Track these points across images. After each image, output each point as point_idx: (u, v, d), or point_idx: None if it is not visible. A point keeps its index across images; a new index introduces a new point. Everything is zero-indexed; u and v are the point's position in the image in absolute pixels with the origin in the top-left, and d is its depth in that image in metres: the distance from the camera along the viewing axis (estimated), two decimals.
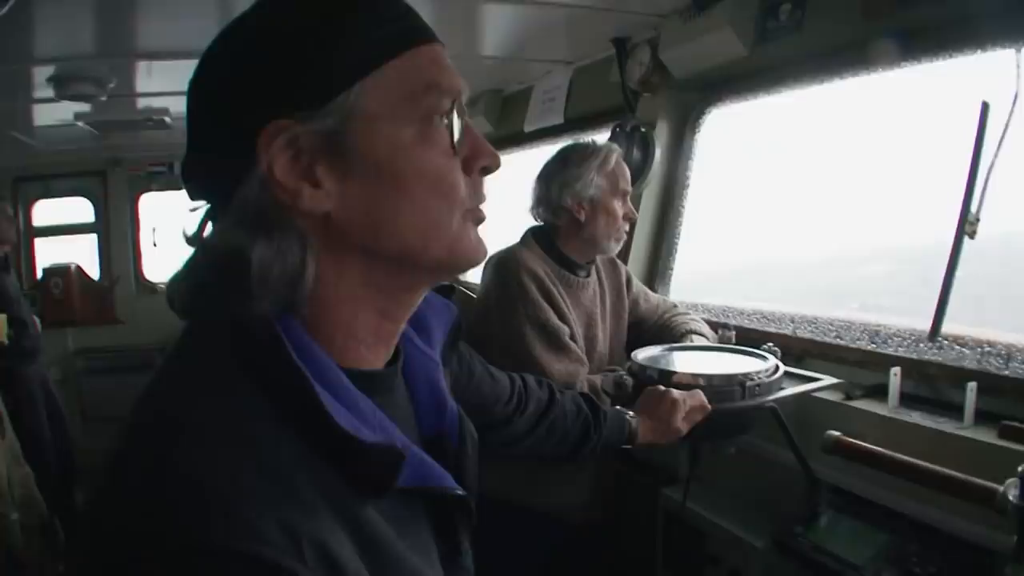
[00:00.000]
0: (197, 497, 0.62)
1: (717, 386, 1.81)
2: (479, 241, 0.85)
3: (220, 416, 0.69)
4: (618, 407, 1.74)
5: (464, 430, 1.01)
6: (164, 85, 3.64)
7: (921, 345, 2.01)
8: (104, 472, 0.68)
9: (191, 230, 0.80)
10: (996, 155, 1.86)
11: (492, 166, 0.84)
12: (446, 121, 0.80)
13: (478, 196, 0.84)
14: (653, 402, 1.75)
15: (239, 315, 0.73)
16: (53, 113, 3.98)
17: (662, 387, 1.78)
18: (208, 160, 0.78)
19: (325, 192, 0.76)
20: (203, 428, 0.67)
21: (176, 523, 0.60)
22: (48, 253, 6.04)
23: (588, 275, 2.32)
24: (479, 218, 0.85)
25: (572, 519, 2.28)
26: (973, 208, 1.90)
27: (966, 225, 1.90)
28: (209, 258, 0.76)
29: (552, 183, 2.24)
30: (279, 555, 0.61)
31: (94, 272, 6.08)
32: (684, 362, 2.04)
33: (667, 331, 2.39)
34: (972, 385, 1.74)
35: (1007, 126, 1.84)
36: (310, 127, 0.74)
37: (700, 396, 1.76)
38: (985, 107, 1.88)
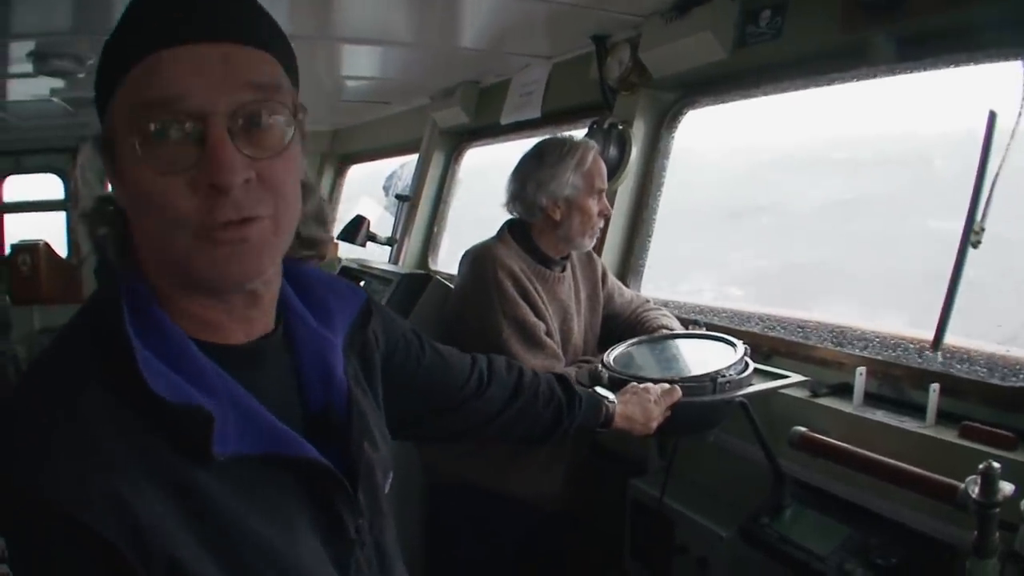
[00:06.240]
0: (10, 451, 0.74)
1: (689, 384, 1.86)
2: (224, 260, 0.83)
3: (50, 383, 0.79)
4: (597, 388, 1.76)
5: (352, 404, 1.01)
6: None
7: (888, 350, 2.08)
8: None
9: None
10: (1000, 166, 1.82)
11: (217, 183, 0.79)
12: (170, 135, 0.79)
13: (211, 215, 0.80)
14: (632, 397, 1.77)
15: (100, 280, 0.90)
16: (28, 88, 3.90)
17: (639, 384, 1.82)
18: None
19: (118, 192, 0.87)
20: (33, 394, 0.79)
21: None
22: (17, 229, 5.95)
23: (563, 270, 2.34)
24: (212, 238, 0.81)
25: (542, 506, 2.32)
26: (978, 217, 1.85)
27: (971, 235, 1.87)
28: None
29: (528, 182, 2.24)
30: (66, 503, 0.70)
31: (62, 250, 5.98)
32: (655, 357, 2.11)
33: (640, 326, 2.42)
34: (935, 386, 1.80)
35: (1012, 136, 1.81)
36: (100, 139, 0.85)
37: (677, 393, 1.80)
38: (992, 116, 1.85)
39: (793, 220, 2.94)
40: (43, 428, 0.74)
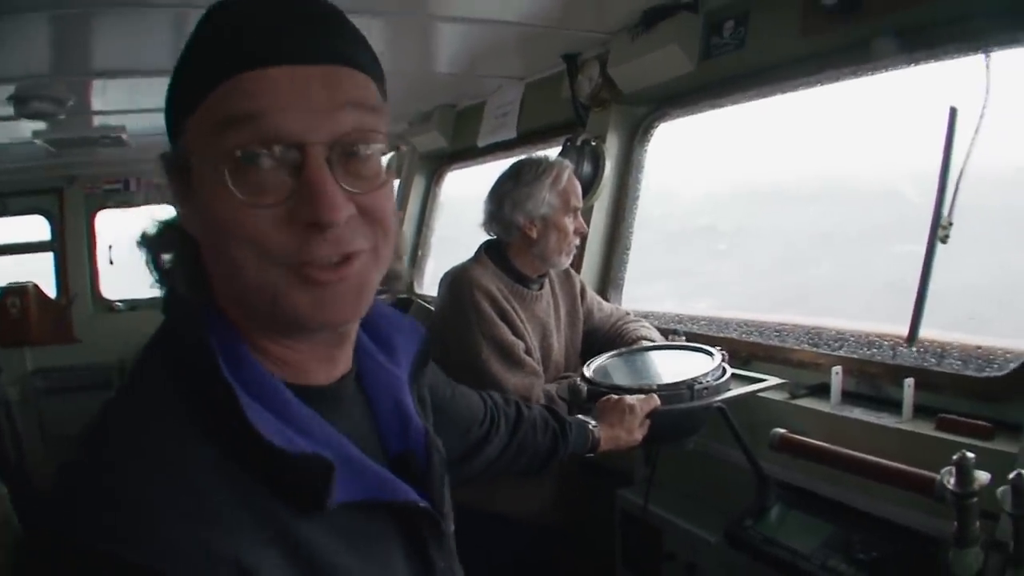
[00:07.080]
0: (111, 513, 0.63)
1: (666, 392, 1.88)
2: (320, 302, 0.75)
3: (143, 433, 0.70)
4: (579, 416, 1.77)
5: (431, 449, 0.95)
6: (121, 103, 3.61)
7: (863, 348, 2.10)
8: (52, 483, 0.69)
9: None
10: (965, 161, 1.86)
11: (318, 221, 0.72)
12: (261, 162, 0.71)
13: (308, 252, 0.73)
14: (610, 411, 1.80)
15: (175, 316, 0.81)
16: (10, 132, 3.92)
17: (615, 396, 1.84)
18: None
19: (188, 217, 0.78)
20: (126, 446, 0.69)
21: (90, 535, 0.62)
22: (3, 272, 5.92)
23: (541, 288, 2.37)
24: (308, 277, 0.74)
25: (533, 522, 2.32)
26: (944, 212, 1.91)
27: (939, 230, 1.91)
28: None
29: (504, 201, 2.27)
30: (188, 572, 0.62)
31: (51, 290, 5.96)
32: (633, 368, 2.13)
33: (620, 339, 2.45)
34: (909, 381, 1.82)
35: (976, 131, 1.84)
36: (171, 158, 0.77)
37: (655, 400, 1.83)
38: (953, 112, 1.89)
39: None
40: (143, 484, 0.65)
